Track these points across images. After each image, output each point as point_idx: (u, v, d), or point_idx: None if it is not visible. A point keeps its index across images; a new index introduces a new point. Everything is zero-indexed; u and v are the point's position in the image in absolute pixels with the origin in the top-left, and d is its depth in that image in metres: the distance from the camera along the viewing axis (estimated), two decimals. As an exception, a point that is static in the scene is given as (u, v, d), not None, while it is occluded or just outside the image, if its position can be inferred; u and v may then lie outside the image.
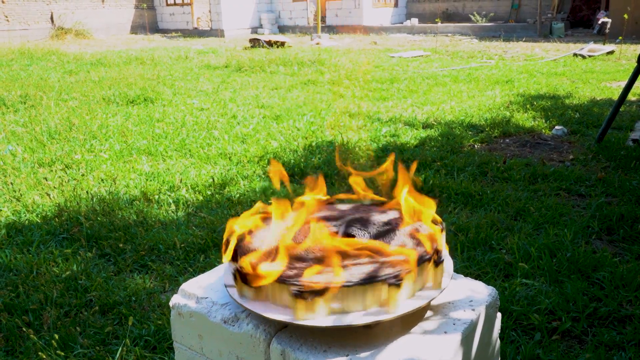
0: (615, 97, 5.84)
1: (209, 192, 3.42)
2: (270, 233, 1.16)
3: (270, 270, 1.00)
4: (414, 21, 20.22)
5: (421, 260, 1.03)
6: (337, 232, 1.16)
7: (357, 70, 9.07)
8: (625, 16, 11.58)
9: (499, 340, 1.23)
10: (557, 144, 4.46)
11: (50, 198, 3.35)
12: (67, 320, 2.08)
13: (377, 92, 6.97)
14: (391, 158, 1.25)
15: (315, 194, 1.24)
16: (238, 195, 3.35)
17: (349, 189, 1.28)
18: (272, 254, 1.07)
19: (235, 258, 1.08)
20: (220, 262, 1.35)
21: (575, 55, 10.37)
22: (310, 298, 0.95)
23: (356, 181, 1.26)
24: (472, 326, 1.05)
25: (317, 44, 14.50)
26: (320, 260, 1.04)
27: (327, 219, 1.23)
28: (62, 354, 1.86)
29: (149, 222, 2.97)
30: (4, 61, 10.79)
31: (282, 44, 14.07)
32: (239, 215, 1.20)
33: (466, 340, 1.03)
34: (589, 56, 10.11)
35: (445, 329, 1.03)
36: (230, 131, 4.95)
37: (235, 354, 1.06)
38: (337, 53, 11.87)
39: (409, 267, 1.01)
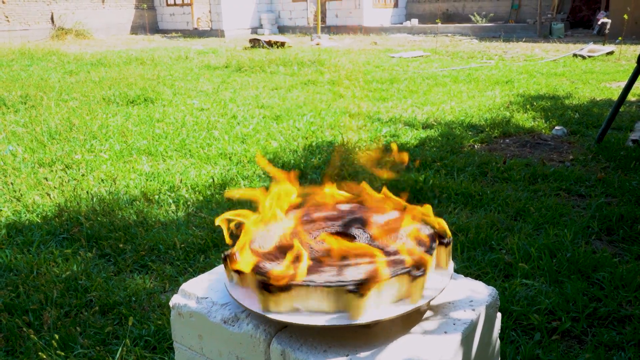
0: (615, 97, 5.84)
1: (209, 192, 3.42)
2: (270, 234, 1.16)
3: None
4: (414, 21, 20.24)
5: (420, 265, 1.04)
6: (339, 232, 1.18)
7: (357, 70, 9.07)
8: (625, 16, 11.58)
9: (499, 340, 1.23)
10: (557, 144, 4.46)
11: (50, 198, 3.35)
12: (67, 321, 2.09)
13: (377, 93, 6.97)
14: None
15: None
16: (238, 195, 3.35)
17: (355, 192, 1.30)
18: (272, 254, 1.07)
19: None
20: (220, 263, 1.35)
21: (575, 55, 10.37)
22: (310, 297, 0.95)
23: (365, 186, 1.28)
24: (472, 326, 1.05)
25: (317, 44, 14.51)
26: (320, 261, 1.05)
27: (328, 219, 1.24)
28: (62, 354, 1.86)
29: (149, 222, 2.97)
30: (5, 61, 10.79)
31: (282, 44, 14.07)
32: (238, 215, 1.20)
33: (466, 340, 1.03)
34: (589, 57, 10.11)
35: (445, 329, 1.03)
36: (230, 131, 4.95)
37: (235, 354, 1.06)
38: (337, 53, 11.87)
39: (408, 267, 1.01)
